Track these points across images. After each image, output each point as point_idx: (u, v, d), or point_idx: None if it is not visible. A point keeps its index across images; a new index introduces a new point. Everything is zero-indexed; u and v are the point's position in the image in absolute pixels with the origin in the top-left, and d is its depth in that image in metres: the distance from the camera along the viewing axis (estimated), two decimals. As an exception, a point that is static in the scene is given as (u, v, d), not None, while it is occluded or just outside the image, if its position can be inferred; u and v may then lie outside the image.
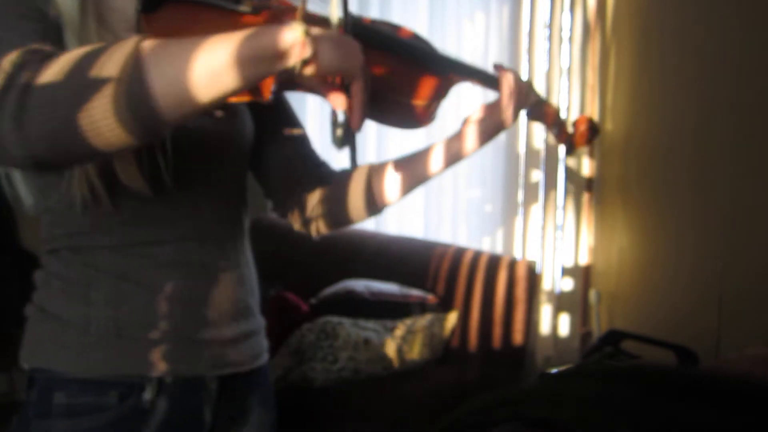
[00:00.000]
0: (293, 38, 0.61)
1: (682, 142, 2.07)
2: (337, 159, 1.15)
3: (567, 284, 2.62)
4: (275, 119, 0.99)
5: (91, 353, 0.80)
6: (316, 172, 1.01)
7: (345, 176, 0.99)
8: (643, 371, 0.42)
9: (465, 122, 0.92)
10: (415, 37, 0.87)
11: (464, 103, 2.40)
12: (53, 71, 0.58)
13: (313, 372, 1.73)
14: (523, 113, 0.95)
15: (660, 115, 2.23)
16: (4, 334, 1.31)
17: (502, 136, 2.49)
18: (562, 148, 2.54)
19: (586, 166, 2.59)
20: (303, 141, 1.02)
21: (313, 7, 0.73)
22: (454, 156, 0.92)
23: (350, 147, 0.75)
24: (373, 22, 0.85)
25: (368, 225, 2.40)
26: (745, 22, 1.78)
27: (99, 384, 0.80)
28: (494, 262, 2.00)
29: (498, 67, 0.91)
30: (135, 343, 0.82)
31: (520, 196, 2.56)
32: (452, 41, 2.45)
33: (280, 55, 0.61)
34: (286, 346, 1.79)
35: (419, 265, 2.07)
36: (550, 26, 2.51)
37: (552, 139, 2.51)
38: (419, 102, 0.83)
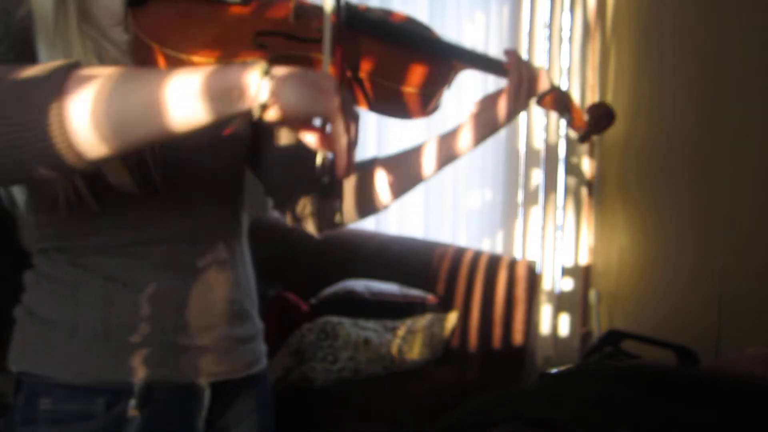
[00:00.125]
0: (248, 79, 0.55)
1: (682, 142, 2.07)
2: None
3: (567, 284, 2.61)
4: None
5: (78, 358, 0.78)
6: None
7: None
8: (643, 371, 0.42)
9: (470, 116, 0.89)
10: (411, 21, 0.83)
11: (464, 99, 2.40)
12: None
13: (313, 372, 1.73)
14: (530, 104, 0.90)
15: (660, 115, 2.23)
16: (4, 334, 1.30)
17: (502, 136, 2.50)
18: (562, 148, 2.55)
19: (587, 166, 2.59)
20: None
21: None
22: (453, 153, 0.89)
23: (334, 195, 0.70)
24: (368, 9, 0.81)
25: (368, 225, 2.40)
26: (745, 22, 1.78)
27: (86, 390, 0.78)
28: (494, 262, 2.00)
29: (510, 53, 0.87)
30: (123, 348, 0.79)
31: (520, 196, 2.56)
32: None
33: (235, 97, 0.56)
34: (286, 346, 1.79)
35: (419, 265, 2.07)
36: (550, 26, 2.51)
37: (555, 134, 2.52)
38: (410, 89, 0.78)
